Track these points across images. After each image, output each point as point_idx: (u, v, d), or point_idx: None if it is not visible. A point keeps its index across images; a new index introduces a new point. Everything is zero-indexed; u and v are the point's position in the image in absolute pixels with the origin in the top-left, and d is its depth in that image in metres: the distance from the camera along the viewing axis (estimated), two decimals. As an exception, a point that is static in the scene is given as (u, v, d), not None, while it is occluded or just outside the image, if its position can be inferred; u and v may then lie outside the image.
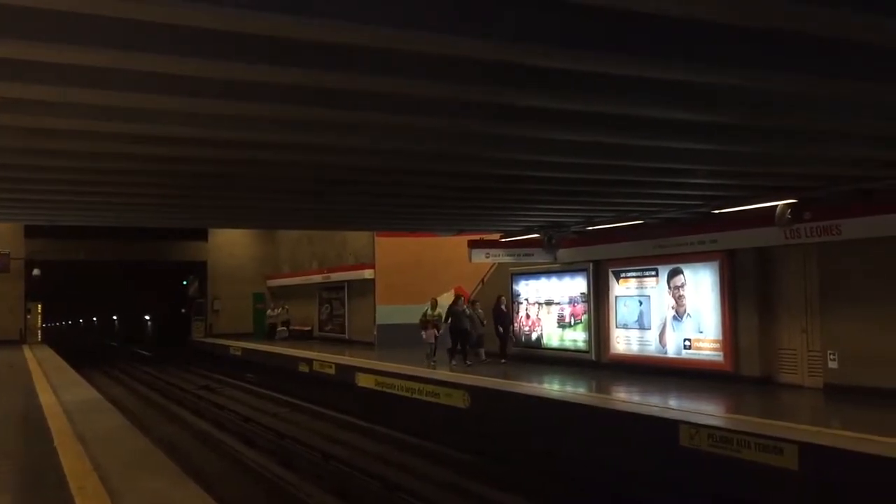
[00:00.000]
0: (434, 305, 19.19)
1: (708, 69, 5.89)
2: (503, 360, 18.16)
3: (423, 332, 18.78)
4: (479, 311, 18.65)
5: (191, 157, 9.19)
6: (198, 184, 11.45)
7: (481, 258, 18.42)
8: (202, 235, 37.08)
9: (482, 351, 18.54)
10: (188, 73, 5.89)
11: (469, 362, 17.80)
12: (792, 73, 6.01)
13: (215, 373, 29.40)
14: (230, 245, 37.37)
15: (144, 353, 45.99)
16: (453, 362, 17.90)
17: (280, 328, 33.02)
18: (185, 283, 41.43)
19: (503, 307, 18.64)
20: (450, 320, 18.29)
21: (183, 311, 43.06)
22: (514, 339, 19.05)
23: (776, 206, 12.00)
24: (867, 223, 11.59)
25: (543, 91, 6.53)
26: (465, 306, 18.44)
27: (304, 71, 5.73)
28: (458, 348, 18.19)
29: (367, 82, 6.23)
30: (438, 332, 18.80)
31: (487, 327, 18.66)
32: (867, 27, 5.30)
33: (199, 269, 38.55)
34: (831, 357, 12.48)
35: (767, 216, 12.36)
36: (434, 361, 18.12)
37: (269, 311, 34.15)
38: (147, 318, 54.25)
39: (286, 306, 33.72)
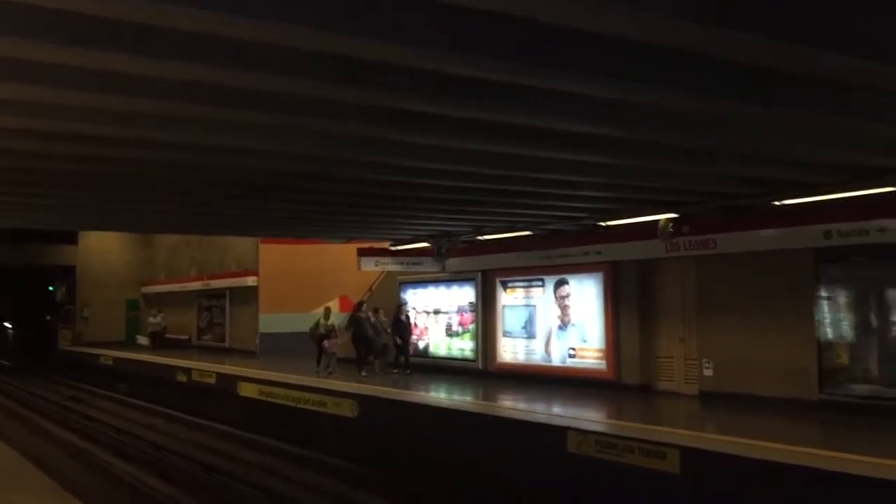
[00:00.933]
0: (327, 315, 18.74)
1: (587, 81, 5.98)
2: (407, 371, 17.50)
3: (325, 342, 18.06)
4: (383, 318, 18.27)
5: (63, 154, 8.62)
6: (68, 183, 10.77)
7: (370, 266, 18.29)
8: (71, 238, 35.08)
9: (377, 362, 18.09)
10: (64, 61, 5.49)
11: (364, 373, 17.33)
12: (669, 88, 6.21)
13: (84, 383, 27.86)
14: (102, 249, 35.55)
15: (4, 362, 43.14)
16: (363, 373, 17.29)
17: (141, 337, 31.59)
18: (51, 288, 39.16)
19: (403, 317, 18.12)
20: (352, 329, 17.80)
21: (48, 318, 40.64)
22: (412, 350, 18.43)
23: (658, 220, 12.50)
24: (739, 238, 12.25)
25: (437, 97, 6.50)
26: (367, 313, 18.02)
27: (183, 64, 5.43)
28: (363, 357, 17.71)
29: (254, 80, 5.98)
30: (339, 341, 18.28)
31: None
32: (747, 48, 5.48)
33: (67, 274, 36.48)
34: (706, 365, 13.09)
35: (650, 230, 12.86)
36: (330, 372, 17.53)
37: (150, 319, 31.99)
38: (7, 325, 50.85)
39: (160, 313, 32.16)
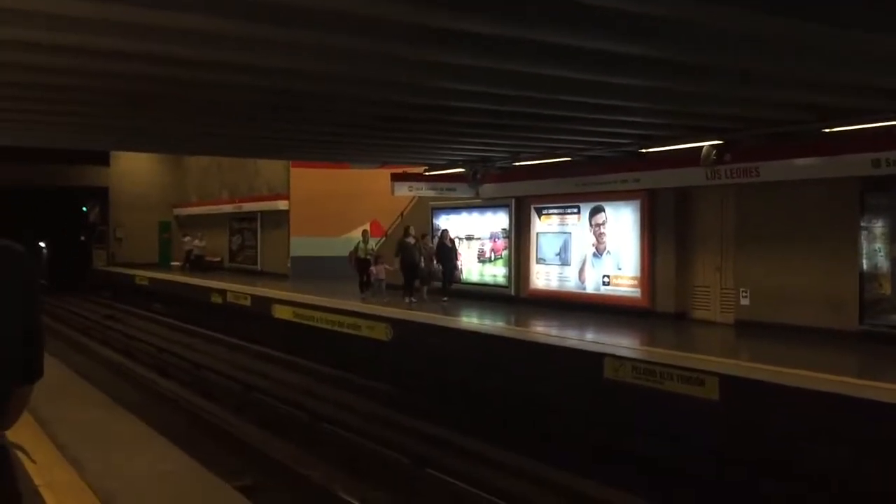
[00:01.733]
0: (366, 238, 18.18)
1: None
2: (445, 299, 16.85)
3: (372, 268, 17.64)
4: (430, 244, 17.69)
5: (95, 71, 8.55)
6: (100, 101, 10.72)
7: (404, 191, 18.25)
8: (103, 159, 35.22)
9: (425, 289, 17.51)
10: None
11: (414, 300, 16.78)
12: (720, 3, 6.01)
13: (121, 303, 28.45)
14: (134, 171, 35.76)
15: (41, 281, 44.04)
16: (412, 300, 16.70)
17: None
18: (84, 209, 39.59)
19: (448, 242, 17.39)
20: (399, 255, 17.10)
21: (82, 238, 41.22)
22: (459, 277, 17.90)
23: (701, 147, 12.26)
24: (784, 166, 12.01)
25: (477, 14, 6.33)
26: (415, 239, 17.39)
27: None
28: (411, 284, 17.04)
29: None
30: (389, 267, 17.62)
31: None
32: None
33: (100, 196, 36.82)
34: (743, 294, 13.02)
35: (690, 157, 12.62)
36: (364, 297, 17.34)
37: (195, 242, 31.15)
38: (42, 245, 51.78)
39: (200, 235, 32.21)
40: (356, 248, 18.15)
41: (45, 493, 4.16)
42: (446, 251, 17.32)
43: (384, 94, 9.95)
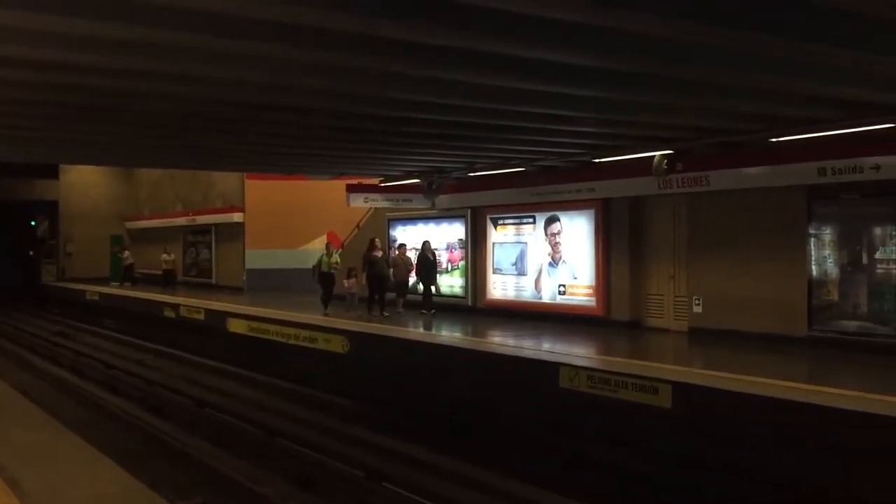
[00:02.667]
0: (330, 251, 17.54)
1: (576, 8, 5.86)
2: (432, 312, 16.47)
3: (345, 282, 17.04)
4: (407, 256, 17.14)
5: (45, 84, 8.37)
6: (50, 114, 10.50)
7: (360, 203, 18.17)
8: (52, 173, 34.50)
9: (401, 301, 17.06)
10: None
11: (386, 313, 16.29)
12: (674, 18, 6.08)
13: (71, 319, 27.83)
14: (84, 184, 35.08)
15: (-14, 298, 42.89)
16: (378, 313, 16.31)
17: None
18: (33, 223, 38.71)
19: (430, 255, 16.95)
20: (366, 269, 16.60)
21: (31, 253, 40.28)
22: (439, 289, 17.56)
23: (653, 156, 12.40)
24: (733, 175, 12.22)
25: (428, 26, 6.33)
26: (380, 251, 16.97)
27: None
28: (380, 297, 16.60)
29: (249, 7, 5.82)
30: (359, 280, 16.97)
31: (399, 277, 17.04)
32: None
33: (49, 209, 36.03)
34: (696, 302, 13.18)
35: (644, 166, 12.76)
36: (327, 312, 16.71)
37: (163, 256, 29.62)
38: (-12, 260, 50.42)
39: (126, 250, 31.82)
40: (319, 262, 17.43)
41: (-21, 519, 4.00)
42: (429, 264, 16.91)
43: (337, 105, 9.88)
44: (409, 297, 17.29)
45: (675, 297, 13.75)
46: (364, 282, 16.73)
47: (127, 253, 31.36)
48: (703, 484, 8.36)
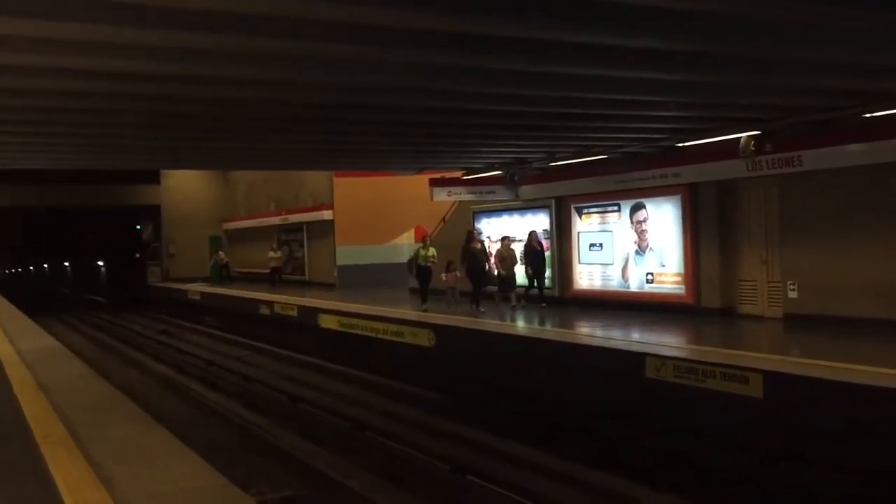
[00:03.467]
0: (426, 244, 16.95)
1: None
2: (543, 304, 16.02)
3: (443, 275, 16.57)
4: (512, 249, 16.44)
5: (145, 94, 8.82)
6: (153, 123, 11.05)
7: (443, 196, 18.24)
8: (154, 178, 36.15)
9: (513, 294, 16.31)
10: (140, 2, 5.56)
11: (482, 308, 15.53)
12: None
13: (174, 317, 29.06)
14: (184, 188, 36.56)
15: (99, 299, 45.29)
16: (474, 307, 15.61)
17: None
18: (138, 227, 40.60)
19: (537, 245, 16.35)
20: (466, 261, 16.04)
21: (137, 255, 42.28)
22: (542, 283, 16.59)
23: (740, 138, 12.00)
24: (826, 154, 11.65)
25: (506, 18, 6.32)
26: (480, 243, 16.40)
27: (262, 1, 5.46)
28: (479, 291, 15.90)
29: (326, 11, 5.97)
30: (459, 274, 16.48)
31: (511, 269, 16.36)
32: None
33: (152, 213, 37.73)
34: (791, 287, 12.70)
35: (730, 149, 12.36)
36: (426, 308, 16.16)
37: (270, 254, 29.85)
38: (100, 263, 53.21)
39: (221, 252, 33.06)
40: (416, 256, 16.95)
41: (72, 513, 4.24)
42: (536, 255, 16.32)
43: (418, 100, 10.02)
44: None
45: (769, 282, 13.28)
46: (463, 275, 16.30)
47: (221, 254, 32.53)
48: (799, 478, 8.07)
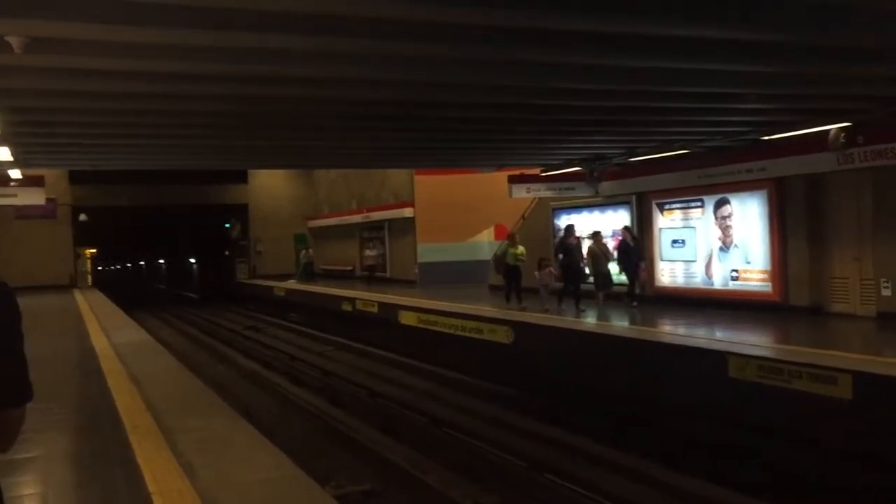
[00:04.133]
0: (514, 241, 16.19)
1: None
2: (634, 304, 15.27)
3: (536, 273, 15.57)
4: (604, 244, 15.73)
5: (232, 95, 9.13)
6: (239, 124, 11.42)
7: (522, 193, 18.20)
8: (242, 178, 37.27)
9: (601, 295, 15.50)
10: (221, 5, 5.76)
11: (583, 307, 14.78)
12: None
13: (260, 313, 29.87)
14: (270, 187, 37.55)
15: (191, 295, 46.94)
16: (565, 306, 14.91)
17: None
18: (227, 225, 41.88)
19: (631, 241, 15.54)
20: (560, 256, 15.35)
21: (227, 253, 43.62)
22: (644, 277, 15.87)
23: (829, 130, 11.56)
24: (925, 145, 11.14)
25: (584, 13, 6.29)
26: (576, 239, 15.60)
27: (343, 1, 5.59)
28: (575, 289, 15.08)
29: (409, 11, 6.06)
30: (554, 271, 15.56)
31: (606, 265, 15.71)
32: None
33: (240, 212, 38.88)
34: (885, 285, 12.16)
35: (819, 141, 11.94)
36: (523, 306, 15.47)
37: (366, 252, 31.71)
38: (192, 261, 55.11)
39: (309, 250, 33.80)
40: (504, 254, 16.09)
41: (156, 500, 4.43)
42: (630, 250, 15.49)
43: (498, 97, 10.05)
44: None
45: (862, 279, 12.75)
46: (557, 272, 15.49)
47: (304, 252, 33.27)
48: (890, 483, 7.74)
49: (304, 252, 33.48)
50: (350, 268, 33.04)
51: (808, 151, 12.52)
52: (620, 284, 16.10)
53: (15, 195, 16.60)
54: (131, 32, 6.26)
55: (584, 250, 15.68)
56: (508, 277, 16.25)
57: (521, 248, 16.06)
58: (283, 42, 6.84)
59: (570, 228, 15.85)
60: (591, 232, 16.30)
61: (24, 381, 1.50)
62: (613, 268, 16.14)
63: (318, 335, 22.42)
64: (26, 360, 1.52)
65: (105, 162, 16.53)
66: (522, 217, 21.04)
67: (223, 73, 8.05)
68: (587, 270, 15.53)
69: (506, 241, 16.33)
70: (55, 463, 5.66)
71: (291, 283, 30.79)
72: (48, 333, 14.22)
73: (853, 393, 8.29)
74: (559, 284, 15.62)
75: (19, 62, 6.97)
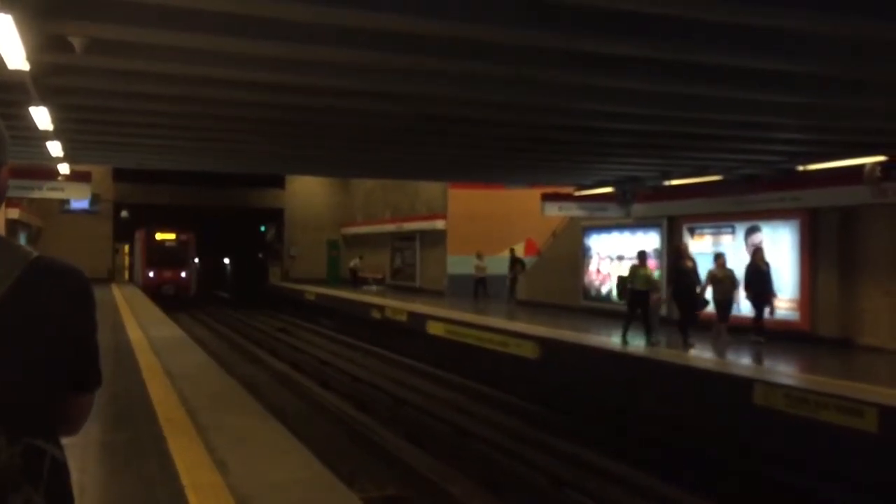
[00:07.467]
0: (644, 261, 13.44)
1: (796, 14, 5.72)
2: (761, 340, 12.89)
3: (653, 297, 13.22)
4: (729, 269, 13.16)
5: (277, 103, 9.43)
6: (282, 131, 11.73)
7: (554, 211, 18.33)
8: (280, 183, 37.82)
9: (723, 326, 13.08)
10: (276, 16, 6.02)
11: (691, 341, 12.53)
12: (885, 20, 5.78)
13: (291, 316, 30.23)
14: (306, 193, 38.03)
15: (224, 295, 47.52)
16: (690, 341, 12.57)
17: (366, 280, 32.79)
18: (262, 229, 42.44)
19: (763, 265, 13.01)
20: (674, 283, 13.26)
21: (260, 256, 44.17)
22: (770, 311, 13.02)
23: (864, 163, 11.58)
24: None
25: (625, 38, 6.46)
26: (691, 259, 13.31)
27: (387, 16, 5.81)
28: (689, 318, 12.94)
29: (448, 28, 6.27)
30: (663, 297, 13.73)
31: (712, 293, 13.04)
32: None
33: (276, 216, 39.41)
34: (916, 320, 12.12)
35: (854, 174, 11.95)
36: (658, 341, 13.04)
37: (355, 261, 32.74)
38: (226, 261, 55.79)
39: (359, 258, 34.04)
40: (631, 278, 13.22)
41: (189, 493, 4.65)
42: (761, 276, 12.91)
43: (534, 117, 10.24)
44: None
45: (892, 313, 12.69)
46: (668, 299, 13.69)
47: (358, 260, 33.31)
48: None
49: (355, 260, 33.49)
50: (381, 276, 33.31)
51: (842, 183, 12.53)
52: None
53: (62, 189, 17.09)
54: (185, 38, 6.53)
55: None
56: (633, 305, 13.34)
57: (648, 271, 13.42)
58: (334, 55, 7.08)
59: (679, 249, 13.62)
60: (638, 251, 14.06)
61: (96, 368, 1.58)
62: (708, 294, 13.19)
63: (347, 341, 22.67)
64: (99, 347, 1.58)
65: (151, 161, 16.97)
66: (553, 234, 21.15)
67: (277, 83, 8.33)
68: (707, 297, 13.09)
69: (633, 262, 13.71)
70: (91, 451, 5.87)
71: (319, 288, 31.13)
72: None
73: (879, 426, 8.30)
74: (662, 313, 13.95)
75: (78, 62, 7.29)
